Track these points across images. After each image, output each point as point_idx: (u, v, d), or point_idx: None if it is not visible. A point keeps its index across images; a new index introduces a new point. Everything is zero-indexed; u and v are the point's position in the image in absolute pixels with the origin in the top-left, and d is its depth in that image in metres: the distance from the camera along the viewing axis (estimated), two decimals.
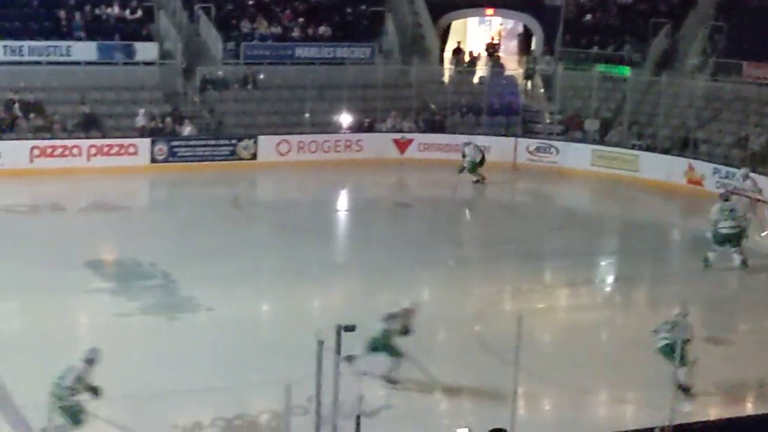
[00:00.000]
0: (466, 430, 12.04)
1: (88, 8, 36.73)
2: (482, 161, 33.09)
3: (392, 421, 15.00)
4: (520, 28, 44.65)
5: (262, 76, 37.74)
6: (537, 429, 15.43)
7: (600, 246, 29.04)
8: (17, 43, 34.65)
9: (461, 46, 41.51)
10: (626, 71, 38.09)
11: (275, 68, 38.04)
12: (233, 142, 34.85)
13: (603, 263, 27.51)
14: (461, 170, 32.92)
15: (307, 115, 36.60)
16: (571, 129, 37.20)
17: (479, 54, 41.83)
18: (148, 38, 36.75)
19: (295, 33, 39.10)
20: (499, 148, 35.62)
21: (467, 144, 33.31)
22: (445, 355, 19.02)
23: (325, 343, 12.20)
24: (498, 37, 45.65)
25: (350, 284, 24.39)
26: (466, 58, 41.51)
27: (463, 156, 33.09)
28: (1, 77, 34.11)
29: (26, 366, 16.82)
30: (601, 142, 36.07)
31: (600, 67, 38.21)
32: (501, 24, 46.86)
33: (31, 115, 33.27)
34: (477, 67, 41.39)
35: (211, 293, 21.70)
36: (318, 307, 22.68)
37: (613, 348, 20.59)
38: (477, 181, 33.06)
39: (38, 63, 34.72)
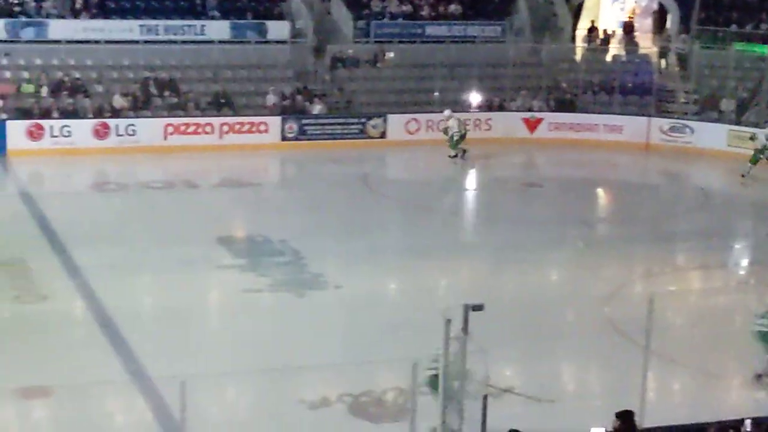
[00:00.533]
0: (602, 430, 11.82)
1: None
2: (463, 136, 32.62)
3: (518, 401, 14.99)
4: (655, 6, 43.72)
5: (392, 55, 37.70)
6: (666, 413, 14.98)
7: (735, 228, 28.28)
8: (153, 23, 35.39)
9: (595, 24, 40.81)
10: (765, 50, 36.89)
11: (405, 47, 38.02)
12: (362, 120, 34.90)
13: (737, 246, 26.83)
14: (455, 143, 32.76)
15: (436, 93, 36.44)
16: (706, 109, 36.23)
17: (613, 32, 41.06)
18: (280, 17, 37.12)
19: (426, 11, 39.01)
20: (632, 127, 35.23)
21: (450, 117, 32.94)
22: (574, 336, 18.80)
23: (451, 322, 12.28)
24: (632, 15, 44.88)
25: (477, 263, 24.06)
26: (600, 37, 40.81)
27: (446, 130, 32.76)
28: (137, 56, 34.89)
29: (159, 339, 17.26)
30: (738, 122, 35.05)
31: (737, 46, 37.20)
32: (636, 2, 46.02)
33: (166, 93, 33.95)
34: (610, 46, 40.71)
35: (339, 270, 21.90)
36: (445, 285, 22.47)
37: (746, 333, 19.76)
38: (455, 156, 32.54)
39: (173, 42, 35.34)
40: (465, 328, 12.76)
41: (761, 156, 31.89)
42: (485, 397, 13.19)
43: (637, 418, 12.29)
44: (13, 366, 16.59)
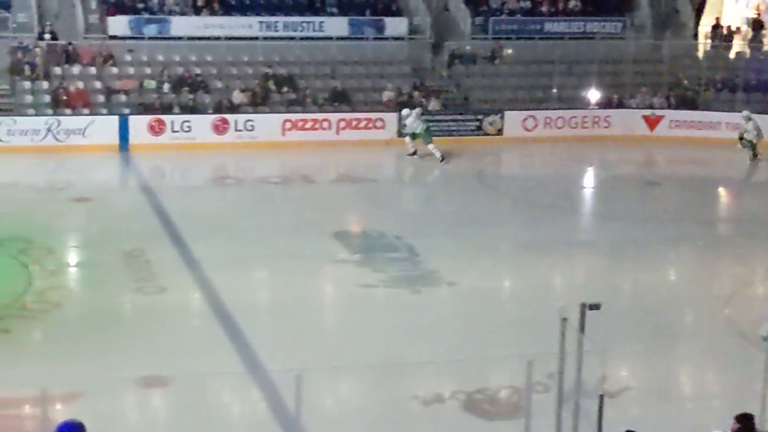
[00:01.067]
0: None
1: None
2: (428, 131, 31.93)
3: (634, 401, 14.81)
4: None
5: (510, 51, 37.55)
6: None
7: None
8: (272, 19, 35.83)
9: (719, 21, 40.02)
10: None
11: (523, 43, 37.91)
12: (479, 117, 34.76)
13: None
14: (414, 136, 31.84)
15: (554, 90, 36.38)
16: None
17: (737, 29, 40.28)
18: (398, 14, 37.28)
19: (545, 7, 38.88)
20: None
21: (408, 115, 32.10)
22: (693, 336, 18.45)
23: (567, 320, 12.11)
24: (758, 12, 44.00)
25: (594, 261, 23.91)
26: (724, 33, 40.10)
27: (403, 126, 32.16)
28: (257, 52, 35.36)
29: (275, 332, 17.44)
30: None
31: None
32: None
33: (284, 89, 34.26)
34: (734, 42, 39.89)
35: (454, 267, 21.82)
36: (560, 283, 22.37)
37: None
38: (413, 154, 31.81)
39: (292, 38, 35.80)
40: (582, 327, 12.63)
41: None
42: (601, 397, 12.88)
43: (757, 422, 12.03)
44: (134, 355, 16.98)
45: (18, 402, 14.48)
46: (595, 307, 12.30)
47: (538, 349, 13.06)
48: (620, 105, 36.19)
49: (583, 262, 23.90)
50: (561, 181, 31.93)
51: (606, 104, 36.01)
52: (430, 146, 31.48)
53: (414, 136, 31.89)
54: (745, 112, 33.41)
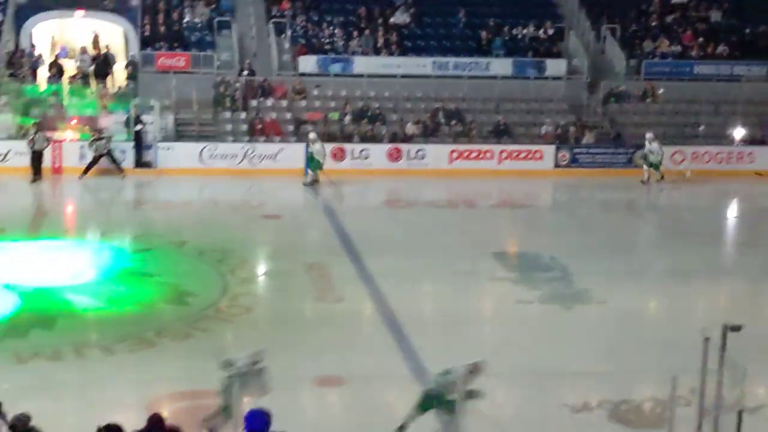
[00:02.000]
0: None
1: (506, 29, 37.78)
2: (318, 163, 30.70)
3: None
4: None
5: (661, 91, 37.06)
6: None
7: None
8: (444, 59, 36.25)
9: None
10: None
11: (673, 84, 37.34)
12: (631, 150, 34.20)
13: None
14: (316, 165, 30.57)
15: (701, 128, 35.66)
16: None
17: None
18: (558, 55, 37.37)
19: (694, 51, 38.31)
20: None
21: (315, 141, 30.92)
22: None
23: (710, 341, 11.82)
24: None
25: (736, 287, 23.09)
26: None
27: (311, 155, 30.89)
28: (429, 88, 35.58)
29: (438, 340, 17.46)
30: None
31: None
32: None
33: (452, 122, 34.36)
34: None
35: (604, 287, 21.47)
36: (703, 306, 21.65)
37: None
38: (313, 182, 30.72)
39: (460, 77, 35.89)
40: (723, 347, 12.28)
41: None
42: (740, 412, 12.48)
43: None
44: (312, 357, 17.21)
45: (209, 395, 14.50)
46: (736, 328, 11.97)
47: (682, 366, 12.72)
48: (762, 142, 35.37)
49: (725, 288, 23.09)
50: (707, 212, 31.38)
51: (750, 141, 35.17)
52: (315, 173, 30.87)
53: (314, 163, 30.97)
54: (649, 134, 32.54)
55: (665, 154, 32.92)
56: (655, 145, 32.51)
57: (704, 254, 25.80)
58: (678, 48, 38.06)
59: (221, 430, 13.99)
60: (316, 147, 30.76)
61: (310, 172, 31.09)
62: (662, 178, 32.65)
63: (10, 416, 11.99)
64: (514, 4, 39.12)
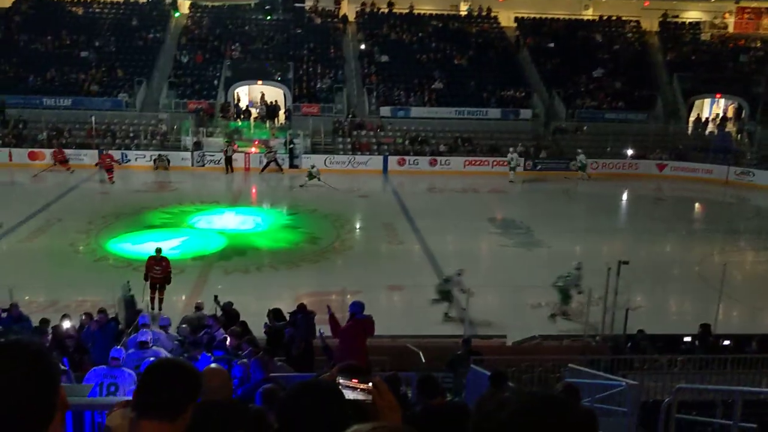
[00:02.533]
0: None
1: (498, 91, 36.05)
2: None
3: None
4: None
5: (585, 128, 35.29)
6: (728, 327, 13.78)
7: None
8: (461, 108, 34.93)
9: None
10: None
11: (593, 124, 35.54)
12: (569, 161, 32.67)
13: None
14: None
15: (608, 149, 33.57)
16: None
17: None
18: (527, 107, 35.72)
19: (605, 105, 36.51)
20: None
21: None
22: None
23: (611, 269, 12.51)
24: None
25: (626, 238, 21.89)
26: None
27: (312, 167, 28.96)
28: (453, 125, 34.42)
29: (453, 268, 16.19)
30: None
31: None
32: None
33: (465, 144, 33.30)
34: None
35: (550, 238, 21.23)
36: (607, 249, 20.29)
37: None
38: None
39: (470, 119, 34.71)
40: (618, 273, 12.53)
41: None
42: (627, 310, 12.55)
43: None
44: (384, 273, 17.60)
45: (329, 293, 15.07)
46: (625, 262, 12.45)
47: (595, 283, 13.29)
48: (644, 157, 34.06)
49: (620, 239, 22.13)
50: (611, 196, 29.92)
51: (635, 157, 33.75)
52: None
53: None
54: (579, 151, 31.92)
55: (587, 163, 32.22)
56: (582, 157, 31.93)
57: (608, 219, 26.20)
58: (595, 103, 37.09)
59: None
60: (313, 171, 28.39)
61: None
62: (589, 177, 31.70)
63: (222, 302, 12.67)
64: (503, 77, 37.43)
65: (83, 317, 11.88)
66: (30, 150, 31.76)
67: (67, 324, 11.28)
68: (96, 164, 29.73)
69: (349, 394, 2.09)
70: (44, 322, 11.20)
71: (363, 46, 39.23)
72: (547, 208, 26.67)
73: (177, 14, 40.88)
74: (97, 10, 40.48)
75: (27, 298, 14.39)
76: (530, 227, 23.06)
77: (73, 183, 28.44)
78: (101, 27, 39.03)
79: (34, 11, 39.22)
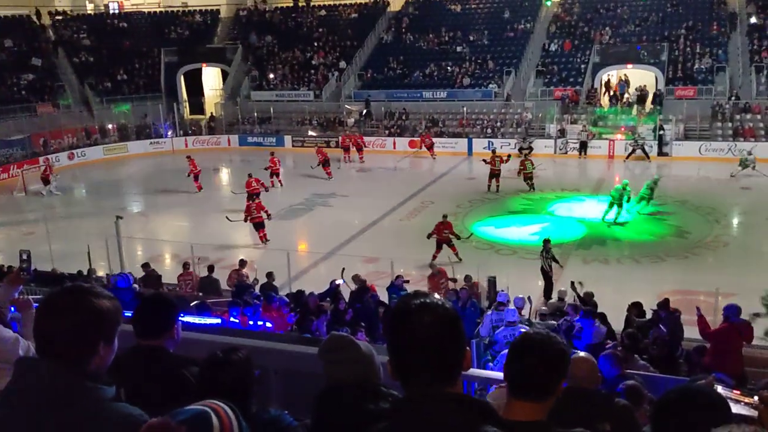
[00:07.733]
0: None
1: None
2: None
3: None
4: None
5: None
6: None
7: None
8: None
9: None
10: None
11: None
12: None
13: None
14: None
15: None
16: None
17: None
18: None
19: None
20: None
21: None
22: None
23: None
24: None
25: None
26: None
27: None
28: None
29: None
30: None
31: None
32: None
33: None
34: None
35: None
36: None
37: None
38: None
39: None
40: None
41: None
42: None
43: None
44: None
45: (697, 293, 14.13)
46: None
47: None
48: None
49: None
50: None
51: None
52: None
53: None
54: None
55: None
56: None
57: None
58: None
59: None
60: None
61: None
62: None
63: (582, 292, 12.47)
64: None
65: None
66: (410, 139, 35.58)
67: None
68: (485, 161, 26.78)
69: (733, 407, 1.93)
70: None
71: (753, 20, 36.39)
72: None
73: (548, 3, 41.74)
74: (472, 6, 43.51)
75: (402, 270, 15.75)
76: None
77: (444, 169, 31.08)
78: (476, 21, 41.94)
79: (418, 12, 43.69)
